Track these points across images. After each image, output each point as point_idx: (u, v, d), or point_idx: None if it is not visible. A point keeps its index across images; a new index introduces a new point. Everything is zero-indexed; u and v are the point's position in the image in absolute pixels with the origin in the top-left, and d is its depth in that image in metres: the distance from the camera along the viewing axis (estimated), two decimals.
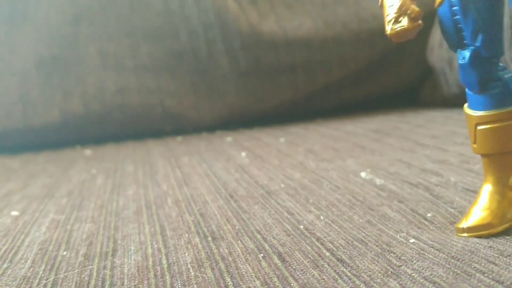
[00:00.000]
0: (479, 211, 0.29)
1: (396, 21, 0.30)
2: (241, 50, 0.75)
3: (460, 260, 0.24)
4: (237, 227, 0.31)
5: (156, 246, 0.30)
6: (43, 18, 0.76)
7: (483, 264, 0.24)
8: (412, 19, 0.29)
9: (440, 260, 0.25)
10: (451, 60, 0.73)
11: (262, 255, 0.27)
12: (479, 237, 0.27)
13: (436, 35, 0.75)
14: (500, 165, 0.29)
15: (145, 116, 0.73)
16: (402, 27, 0.30)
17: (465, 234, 0.28)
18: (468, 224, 0.28)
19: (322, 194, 0.37)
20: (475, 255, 0.25)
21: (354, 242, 0.28)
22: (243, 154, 0.54)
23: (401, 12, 0.30)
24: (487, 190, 0.29)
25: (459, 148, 0.46)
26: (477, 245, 0.26)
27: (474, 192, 0.34)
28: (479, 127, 0.29)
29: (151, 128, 0.74)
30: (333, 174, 0.42)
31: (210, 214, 0.35)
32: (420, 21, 0.29)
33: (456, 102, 0.73)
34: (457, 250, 0.26)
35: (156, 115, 0.73)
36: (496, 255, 0.25)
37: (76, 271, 0.27)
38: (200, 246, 0.29)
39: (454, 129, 0.55)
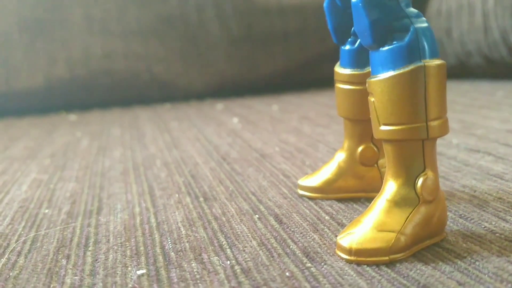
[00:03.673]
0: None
1: None
2: (233, 16, 0.73)
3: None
4: (230, 189, 0.30)
5: (144, 205, 0.28)
6: None
7: None
8: None
9: None
10: (449, 30, 0.71)
11: (257, 216, 0.26)
12: None
13: (434, 4, 0.73)
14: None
15: (132, 82, 0.70)
16: None
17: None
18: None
19: (318, 156, 0.36)
20: None
21: (354, 205, 0.26)
22: (235, 120, 0.52)
23: None
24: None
25: (459, 115, 0.45)
26: None
27: (477, 151, 0.33)
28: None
29: (139, 95, 0.71)
30: (329, 138, 0.41)
31: (202, 175, 0.33)
32: None
33: (453, 72, 0.72)
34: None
35: (144, 82, 0.71)
36: None
37: (58, 228, 0.25)
38: (191, 206, 0.27)
39: (453, 98, 0.53)
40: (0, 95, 0.68)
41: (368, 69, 0.26)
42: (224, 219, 0.25)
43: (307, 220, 0.25)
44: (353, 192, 0.28)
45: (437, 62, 0.22)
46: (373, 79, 0.22)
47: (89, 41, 0.71)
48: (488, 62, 0.65)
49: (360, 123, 0.27)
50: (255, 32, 0.74)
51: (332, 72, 0.29)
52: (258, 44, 0.74)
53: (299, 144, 0.39)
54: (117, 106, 0.69)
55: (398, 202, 0.22)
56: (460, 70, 0.70)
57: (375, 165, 0.28)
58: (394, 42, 0.22)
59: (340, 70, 0.28)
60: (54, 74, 0.69)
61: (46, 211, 0.28)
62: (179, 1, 0.74)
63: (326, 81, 0.77)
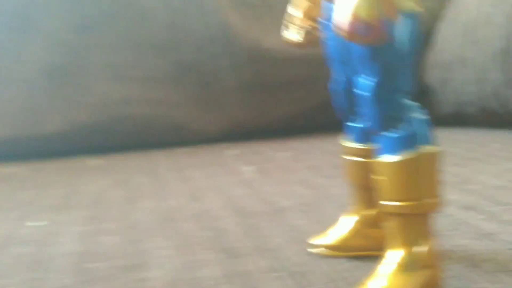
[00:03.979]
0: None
1: (286, 27, 0.31)
2: (245, 65, 0.78)
3: None
4: (251, 244, 0.33)
5: (176, 260, 0.31)
6: (49, 27, 0.77)
7: None
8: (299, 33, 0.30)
9: None
10: (445, 80, 0.76)
11: (278, 274, 0.29)
12: None
13: (430, 55, 0.78)
14: None
15: (150, 127, 0.75)
16: (287, 38, 0.30)
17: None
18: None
19: (331, 211, 0.39)
20: None
21: (369, 262, 0.29)
22: (249, 168, 0.56)
23: (290, 21, 0.31)
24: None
25: (455, 169, 0.49)
26: None
27: (470, 209, 0.36)
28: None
29: (156, 139, 0.75)
30: (339, 190, 0.43)
31: (222, 229, 0.36)
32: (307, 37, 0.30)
33: (449, 121, 0.77)
34: None
35: (161, 126, 0.75)
36: None
37: (106, 283, 0.29)
38: (217, 261, 0.31)
39: (449, 149, 0.57)
40: (25, 138, 0.72)
41: (375, 144, 0.30)
42: (247, 276, 0.29)
43: (325, 277, 0.28)
44: (367, 250, 0.31)
45: (432, 149, 0.26)
46: (377, 160, 0.26)
47: (108, 87, 0.76)
48: (482, 113, 0.70)
49: (369, 189, 0.31)
50: (265, 79, 0.79)
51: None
52: (268, 90, 0.79)
53: (311, 197, 0.43)
54: (136, 150, 0.73)
55: (401, 267, 0.26)
56: (456, 119, 0.75)
57: None
58: (397, 130, 0.25)
59: (347, 144, 0.31)
60: (76, 119, 0.73)
61: (94, 265, 0.32)
62: (194, 50, 0.79)
63: (331, 126, 0.82)
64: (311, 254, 0.32)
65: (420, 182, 0.25)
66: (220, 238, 0.35)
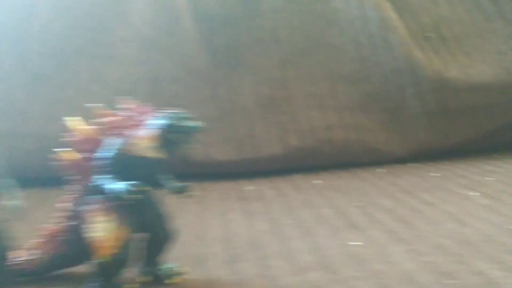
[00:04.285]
0: None
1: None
2: (428, 94, 0.87)
3: None
4: None
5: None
6: (256, 63, 0.90)
7: None
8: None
9: None
10: None
11: None
12: None
13: None
14: None
15: (348, 149, 0.85)
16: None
17: None
18: None
19: None
20: None
21: None
22: (475, 194, 0.65)
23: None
24: None
25: None
26: None
27: None
28: None
29: (352, 160, 0.86)
30: None
31: None
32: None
33: None
34: None
35: (357, 149, 0.86)
36: None
37: None
38: None
39: None
40: (249, 161, 0.84)
41: None
42: None
43: None
44: None
45: None
46: None
47: (312, 114, 0.87)
48: None
49: None
50: (447, 107, 0.88)
51: None
52: (449, 116, 0.88)
53: None
54: (337, 170, 0.84)
55: None
56: None
57: None
58: None
59: None
60: (289, 143, 0.85)
61: (452, 281, 0.42)
62: (382, 81, 0.89)
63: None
64: None
65: None
66: None
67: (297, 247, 0.48)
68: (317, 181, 0.77)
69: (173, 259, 0.44)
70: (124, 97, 0.42)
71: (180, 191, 0.40)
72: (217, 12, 0.93)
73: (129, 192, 0.35)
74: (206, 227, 0.56)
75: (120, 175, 0.37)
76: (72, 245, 0.42)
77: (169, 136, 0.37)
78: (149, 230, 0.40)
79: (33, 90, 0.84)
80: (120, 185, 0.36)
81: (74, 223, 0.41)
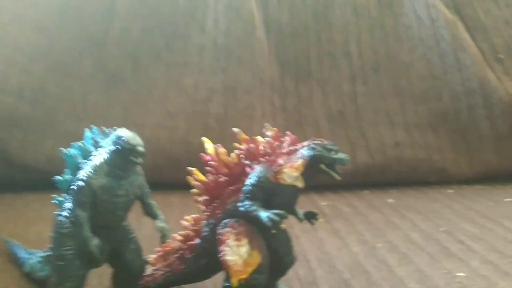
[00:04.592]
0: None
1: None
2: (500, 116, 0.87)
3: None
4: None
5: None
6: (326, 75, 0.91)
7: None
8: None
9: None
10: None
11: None
12: None
13: None
14: None
15: (416, 168, 0.86)
16: None
17: None
18: None
19: None
20: None
21: None
22: None
23: None
24: None
25: None
26: None
27: None
28: None
29: (419, 179, 0.87)
30: None
31: None
32: None
33: None
34: None
35: (425, 168, 0.86)
36: None
37: None
38: None
39: None
40: None
41: None
42: None
43: None
44: None
45: None
46: None
47: (381, 130, 0.88)
48: None
49: None
50: None
51: None
52: None
53: None
54: (405, 187, 0.84)
55: None
56: None
57: None
58: None
59: None
60: (357, 159, 0.86)
61: None
62: (452, 100, 0.89)
63: None
64: None
65: None
66: None
67: (401, 275, 0.49)
68: (390, 199, 0.78)
69: (282, 281, 0.45)
70: (267, 125, 0.42)
71: (311, 217, 0.41)
72: (288, 23, 0.94)
73: (274, 221, 0.36)
74: (301, 245, 0.57)
75: (261, 202, 0.38)
76: (192, 264, 0.43)
77: (317, 167, 0.38)
78: (276, 255, 0.41)
79: (110, 93, 0.85)
80: (265, 213, 0.36)
81: (200, 243, 0.42)
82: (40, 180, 0.86)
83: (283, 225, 0.37)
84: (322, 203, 0.75)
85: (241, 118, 0.84)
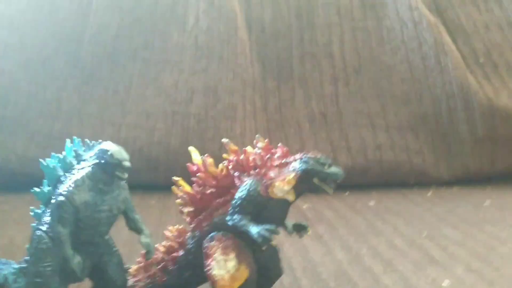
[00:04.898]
0: None
1: None
2: (479, 120, 0.87)
3: None
4: None
5: None
6: (308, 77, 0.90)
7: None
8: None
9: None
10: None
11: None
12: None
13: None
14: None
15: (396, 170, 0.86)
16: None
17: None
18: None
19: None
20: None
21: None
22: None
23: None
24: None
25: None
26: None
27: None
28: None
29: (399, 181, 0.87)
30: None
31: None
32: None
33: None
34: None
35: (405, 170, 0.86)
36: None
37: None
38: None
39: None
40: None
41: None
42: None
43: None
44: None
45: None
46: None
47: (361, 133, 0.88)
48: None
49: None
50: (497, 133, 0.88)
51: None
52: (499, 143, 0.88)
53: None
54: (386, 189, 0.84)
55: None
56: None
57: None
58: None
59: None
60: (338, 160, 0.85)
61: None
62: (433, 103, 0.89)
63: None
64: None
65: None
66: None
67: (387, 284, 0.49)
68: (371, 202, 0.78)
69: None
70: (258, 136, 0.41)
71: (300, 230, 0.40)
72: (270, 23, 0.92)
73: (264, 237, 0.35)
74: (285, 252, 0.56)
75: (250, 216, 0.37)
76: (174, 276, 0.42)
77: (309, 181, 0.37)
78: (264, 268, 0.40)
79: (85, 91, 0.83)
80: (255, 228, 0.35)
81: (184, 255, 0.41)
82: (11, 181, 0.83)
83: (273, 242, 0.36)
84: (303, 206, 0.75)
85: (222, 119, 0.82)
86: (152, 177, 0.80)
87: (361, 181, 0.86)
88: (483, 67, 0.92)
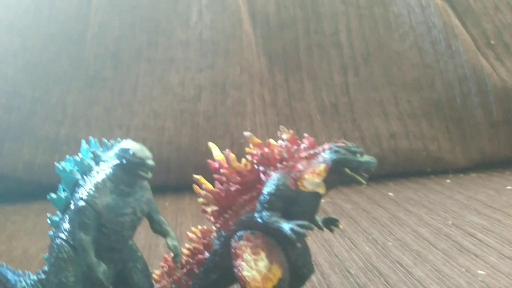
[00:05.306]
0: None
1: None
2: (494, 103, 0.85)
3: None
4: None
5: None
6: (316, 67, 0.88)
7: None
8: None
9: None
10: None
11: None
12: None
13: None
14: None
15: (412, 159, 0.84)
16: None
17: None
18: None
19: None
20: None
21: None
22: None
23: None
24: None
25: None
26: None
27: None
28: None
29: (415, 169, 0.85)
30: None
31: None
32: None
33: None
34: None
35: (421, 158, 0.84)
36: None
37: None
38: None
39: None
40: None
41: None
42: None
43: None
44: None
45: None
46: None
47: (374, 122, 0.86)
48: None
49: None
50: None
51: None
52: None
53: None
54: (403, 179, 0.82)
55: None
56: None
57: None
58: None
59: None
60: None
61: None
62: (445, 88, 0.87)
63: None
64: None
65: None
66: None
67: (419, 276, 0.47)
68: (390, 193, 0.76)
69: None
70: (282, 127, 0.38)
71: (330, 224, 0.38)
72: (275, 14, 0.90)
73: (298, 233, 0.33)
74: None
75: (280, 212, 0.35)
76: (201, 280, 0.40)
77: (341, 172, 0.35)
78: (294, 266, 0.38)
79: (90, 93, 0.81)
80: (287, 225, 0.33)
81: (211, 257, 0.39)
82: (19, 190, 0.81)
83: (308, 237, 0.34)
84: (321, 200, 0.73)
85: (231, 115, 0.80)
86: (164, 178, 0.78)
87: (377, 171, 0.84)
88: (495, 49, 0.90)
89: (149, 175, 0.33)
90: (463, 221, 0.61)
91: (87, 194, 0.32)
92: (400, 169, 0.85)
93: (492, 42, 0.89)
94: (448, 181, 0.81)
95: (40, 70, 0.80)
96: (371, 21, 0.91)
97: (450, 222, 0.60)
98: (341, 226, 0.38)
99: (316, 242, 0.56)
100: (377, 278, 0.46)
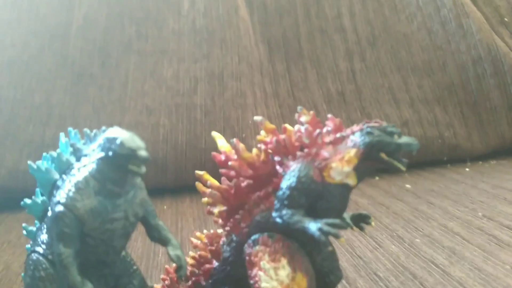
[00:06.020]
0: None
1: None
2: (511, 84, 0.80)
3: None
4: None
5: None
6: (319, 54, 0.82)
7: None
8: None
9: None
10: None
11: None
12: None
13: None
14: None
15: (427, 147, 0.78)
16: None
17: None
18: None
19: None
20: None
21: None
22: None
23: None
24: None
25: None
26: None
27: None
28: None
29: (430, 159, 0.79)
30: None
31: None
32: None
33: None
34: None
35: (436, 146, 0.79)
36: None
37: None
38: None
39: None
40: None
41: None
42: None
43: None
44: None
45: None
46: None
47: (384, 109, 0.80)
48: None
49: None
50: None
51: None
52: None
53: None
54: (418, 169, 0.77)
55: None
56: None
57: None
58: None
59: None
60: None
61: None
62: (458, 70, 0.81)
63: None
64: None
65: None
66: None
67: (459, 277, 0.41)
68: (407, 185, 0.70)
69: None
70: (300, 108, 0.32)
71: (360, 221, 0.32)
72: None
73: (329, 233, 0.27)
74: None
75: (304, 210, 0.29)
76: None
77: (376, 157, 0.29)
78: (320, 272, 0.32)
79: (77, 91, 0.74)
80: (314, 224, 0.27)
81: (220, 266, 0.33)
82: (2, 199, 0.75)
83: (342, 238, 0.28)
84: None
85: (231, 108, 0.74)
86: (160, 179, 0.72)
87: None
88: (509, 26, 0.84)
89: (142, 169, 0.27)
90: (495, 212, 0.55)
91: (65, 196, 0.26)
92: (414, 159, 0.79)
93: (506, 19, 0.84)
94: (467, 169, 0.76)
95: (22, 68, 0.74)
96: (375, 3, 0.85)
97: (481, 214, 0.55)
98: (373, 224, 0.33)
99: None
100: (410, 281, 0.41)
